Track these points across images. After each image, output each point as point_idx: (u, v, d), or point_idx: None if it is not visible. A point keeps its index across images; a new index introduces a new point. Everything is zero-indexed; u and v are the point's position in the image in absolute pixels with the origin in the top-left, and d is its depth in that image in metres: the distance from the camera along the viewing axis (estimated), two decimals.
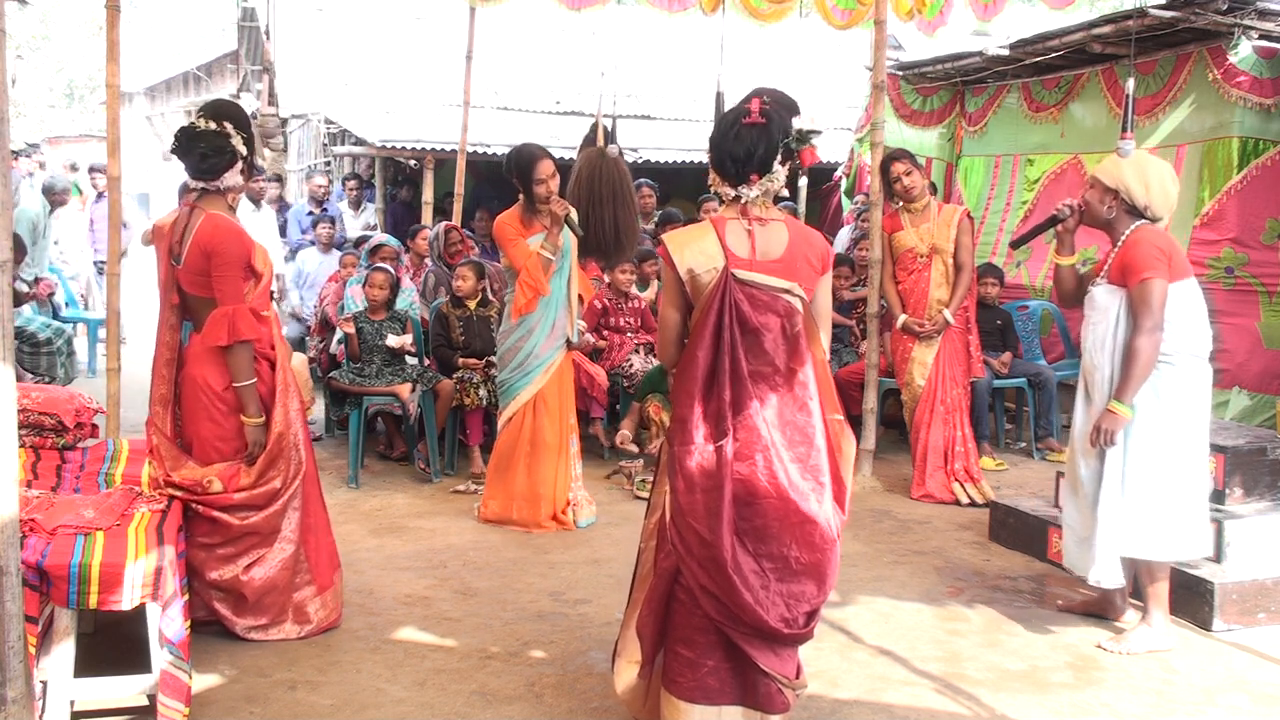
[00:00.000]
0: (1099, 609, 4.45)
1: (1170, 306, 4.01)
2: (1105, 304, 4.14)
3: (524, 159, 5.45)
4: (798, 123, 3.06)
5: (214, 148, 3.92)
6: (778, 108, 3.07)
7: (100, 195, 11.42)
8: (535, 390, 5.46)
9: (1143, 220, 4.15)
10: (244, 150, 3.98)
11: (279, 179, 12.17)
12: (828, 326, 3.24)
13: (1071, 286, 4.41)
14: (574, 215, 5.47)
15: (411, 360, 6.76)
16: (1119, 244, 4.15)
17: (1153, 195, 4.11)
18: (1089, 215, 4.25)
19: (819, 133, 3.11)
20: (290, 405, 4.04)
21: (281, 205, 10.75)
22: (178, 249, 3.94)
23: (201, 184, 3.97)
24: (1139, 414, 4.05)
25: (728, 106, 3.26)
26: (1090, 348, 4.18)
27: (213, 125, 3.92)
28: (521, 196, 5.49)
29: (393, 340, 6.61)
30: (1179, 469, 4.09)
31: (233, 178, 3.98)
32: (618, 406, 6.96)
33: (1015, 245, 4.80)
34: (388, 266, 6.93)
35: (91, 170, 12.13)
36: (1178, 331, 4.04)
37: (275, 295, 9.06)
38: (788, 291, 3.05)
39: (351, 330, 6.59)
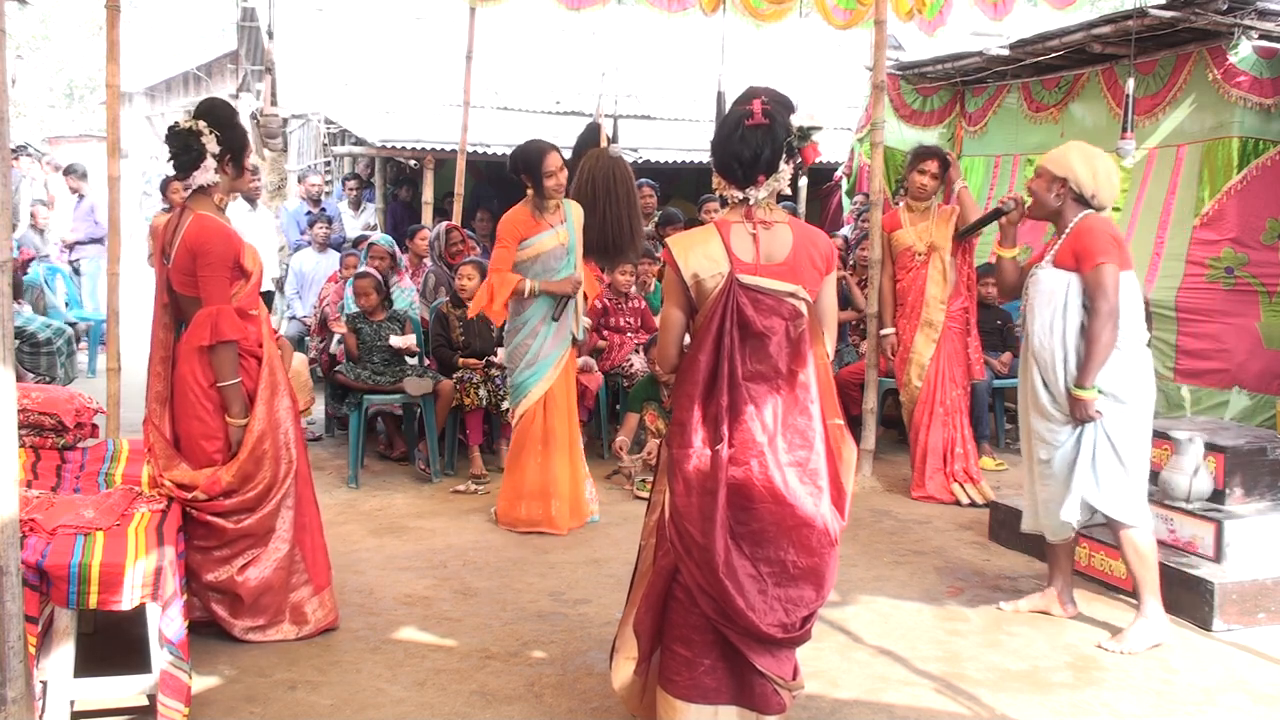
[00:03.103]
0: (1044, 606, 4.46)
1: (1120, 296, 4.11)
2: (1051, 287, 4.21)
3: (533, 153, 5.43)
4: (797, 120, 3.05)
5: (182, 146, 3.92)
6: (777, 107, 3.05)
7: (80, 198, 11.06)
8: (546, 388, 5.48)
9: (1090, 209, 4.25)
10: (216, 148, 3.94)
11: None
12: (833, 326, 3.24)
13: (1013, 279, 4.61)
14: (583, 287, 5.56)
15: (412, 360, 6.76)
16: (1067, 231, 4.24)
17: (1100, 183, 4.22)
18: (1036, 205, 4.36)
19: (820, 128, 3.09)
20: (278, 405, 4.02)
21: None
22: (169, 249, 3.96)
23: (177, 182, 4.03)
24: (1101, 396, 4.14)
25: (728, 107, 3.25)
26: (1038, 331, 4.24)
27: (188, 125, 3.93)
28: (530, 192, 5.46)
29: (396, 341, 6.61)
30: (1129, 447, 4.16)
31: (204, 176, 3.94)
32: (618, 407, 6.96)
33: (959, 237, 4.94)
34: (370, 270, 6.89)
35: (68, 173, 11.26)
36: (1124, 320, 4.12)
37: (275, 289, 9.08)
38: (793, 295, 3.05)
39: (344, 330, 6.59)
